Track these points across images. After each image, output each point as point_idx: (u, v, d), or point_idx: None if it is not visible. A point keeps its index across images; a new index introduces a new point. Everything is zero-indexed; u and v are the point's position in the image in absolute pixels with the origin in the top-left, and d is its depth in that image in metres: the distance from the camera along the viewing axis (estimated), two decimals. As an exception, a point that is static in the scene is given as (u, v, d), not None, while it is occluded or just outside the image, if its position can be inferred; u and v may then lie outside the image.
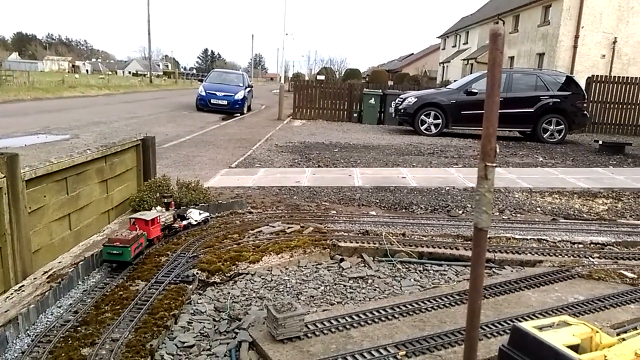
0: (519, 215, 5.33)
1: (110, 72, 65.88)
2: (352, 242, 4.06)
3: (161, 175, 5.23)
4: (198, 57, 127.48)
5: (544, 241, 4.32)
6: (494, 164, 1.53)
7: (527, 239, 4.35)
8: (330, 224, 4.60)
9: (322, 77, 21.80)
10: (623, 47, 21.35)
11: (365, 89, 17.00)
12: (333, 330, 2.75)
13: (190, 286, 3.23)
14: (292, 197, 5.80)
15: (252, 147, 10.01)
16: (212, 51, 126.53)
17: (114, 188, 4.59)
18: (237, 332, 2.75)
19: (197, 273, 3.40)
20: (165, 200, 4.41)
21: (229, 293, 3.28)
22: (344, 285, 3.47)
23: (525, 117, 12.56)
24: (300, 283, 3.48)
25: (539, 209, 5.64)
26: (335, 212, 5.13)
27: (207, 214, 4.64)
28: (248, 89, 19.96)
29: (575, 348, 1.96)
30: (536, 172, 7.97)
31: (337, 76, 53.47)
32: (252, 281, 3.46)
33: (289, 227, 4.35)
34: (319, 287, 3.43)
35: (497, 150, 1.57)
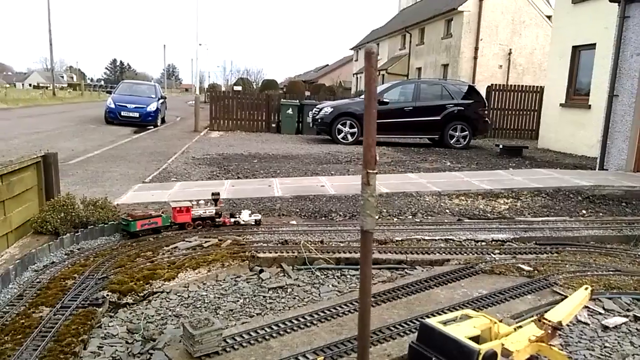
0: (430, 217, 5.61)
1: (8, 85, 60.81)
2: (271, 253, 4.07)
3: (66, 193, 4.92)
4: (106, 68, 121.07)
5: (451, 241, 4.61)
6: (375, 171, 1.64)
7: (435, 240, 4.61)
8: (250, 236, 4.58)
9: (239, 88, 21.62)
10: (517, 58, 23.31)
11: (282, 100, 17.11)
12: (252, 342, 2.75)
13: (100, 309, 3.07)
14: (210, 211, 5.70)
15: (168, 161, 9.70)
16: (121, 62, 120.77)
17: (12, 209, 4.26)
18: (152, 352, 2.66)
19: (108, 295, 3.25)
20: (213, 198, 4.95)
21: (142, 313, 3.16)
22: (264, 296, 3.48)
23: (433, 125, 13.26)
24: (219, 297, 3.44)
25: (447, 210, 5.98)
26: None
27: (259, 216, 5.11)
28: (161, 101, 19.32)
29: (476, 338, 2.12)
30: (444, 176, 8.44)
31: (255, 87, 53.30)
32: (168, 299, 3.36)
33: (206, 241, 4.28)
34: (238, 300, 3.41)
35: (377, 159, 1.69)
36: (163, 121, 19.94)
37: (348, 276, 3.88)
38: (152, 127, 17.64)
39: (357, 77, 41.82)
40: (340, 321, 3.06)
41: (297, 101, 16.92)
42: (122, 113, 17.47)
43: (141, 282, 3.45)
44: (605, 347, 2.93)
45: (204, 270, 3.72)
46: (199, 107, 17.63)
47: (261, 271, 3.85)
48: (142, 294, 3.36)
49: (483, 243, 4.60)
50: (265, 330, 2.86)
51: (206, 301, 3.37)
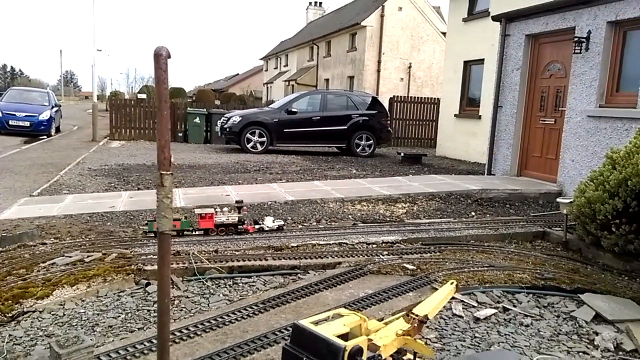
0: (333, 223, 5.73)
1: None
2: (160, 264, 3.92)
3: None
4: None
5: (344, 244, 4.74)
6: (169, 172, 1.65)
7: (330, 244, 4.72)
8: (138, 248, 4.40)
9: (143, 96, 20.70)
10: (417, 72, 24.71)
11: (189, 108, 16.69)
12: (128, 358, 2.63)
13: (-44, 334, 2.79)
14: (105, 224, 5.40)
15: (60, 172, 9.05)
16: (12, 67, 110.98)
17: None
18: (14, 377, 2.45)
19: (-33, 318, 2.95)
20: (237, 205, 5.07)
21: (9, 335, 2.91)
22: (148, 310, 3.34)
23: (340, 134, 13.63)
24: (98, 314, 3.25)
25: (350, 216, 6.15)
26: (153, 234, 4.92)
27: (282, 222, 5.28)
28: (55, 109, 18.03)
29: (345, 336, 2.19)
30: (349, 183, 8.68)
31: (163, 95, 51.24)
32: (40, 319, 3.12)
33: (88, 256, 4.04)
34: (119, 316, 3.25)
35: (172, 160, 1.72)
36: (58, 130, 18.62)
37: (240, 284, 3.85)
38: (45, 136, 16.42)
39: (267, 87, 41.95)
40: (226, 330, 3.02)
41: (205, 110, 16.61)
42: (10, 122, 16.09)
43: (10, 301, 3.18)
44: (475, 337, 3.16)
45: (83, 287, 3.51)
46: (97, 115, 16.70)
47: (148, 284, 3.71)
48: (10, 315, 3.09)
49: (374, 245, 4.78)
50: (145, 345, 2.75)
51: (84, 318, 3.18)
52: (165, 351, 1.80)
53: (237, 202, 5.13)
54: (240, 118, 13.55)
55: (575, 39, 7.31)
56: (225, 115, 14.49)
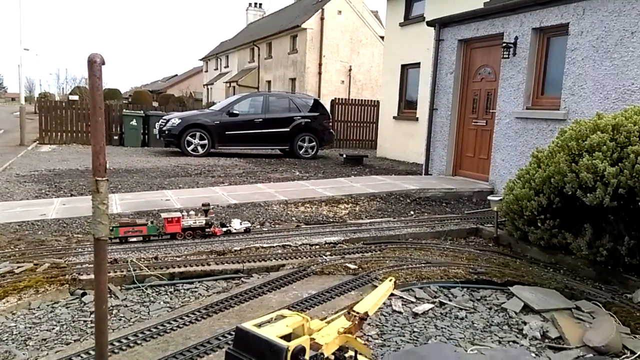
0: (277, 225, 5.73)
1: None
2: (96, 273, 3.79)
3: None
4: None
5: (288, 246, 4.77)
6: (105, 178, 1.66)
7: (273, 246, 4.74)
8: (73, 257, 4.22)
9: (75, 98, 19.78)
10: (357, 74, 25.17)
11: (125, 110, 16.12)
12: (64, 371, 2.53)
13: None
14: (36, 233, 5.13)
15: (-17, 180, 8.49)
16: None
17: None
18: None
19: None
20: (204, 208, 5.03)
21: None
22: (84, 321, 3.23)
23: (283, 136, 13.65)
24: (31, 327, 3.10)
25: (294, 218, 6.18)
26: (89, 243, 4.74)
27: (249, 224, 5.32)
28: (-22, 112, 16.88)
29: (288, 337, 2.22)
30: (292, 185, 8.71)
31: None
32: (-36, 336, 2.94)
33: (18, 267, 3.83)
34: (54, 328, 3.11)
35: (108, 165, 1.73)
36: (-19, 134, 17.43)
37: (182, 291, 3.79)
38: (-35, 141, 15.32)
39: (208, 88, 41.23)
40: (167, 337, 2.97)
41: (142, 112, 16.10)
42: None
43: None
44: (414, 332, 3.29)
45: (13, 299, 3.33)
46: (25, 118, 15.78)
47: (84, 294, 3.57)
48: None
49: (317, 246, 4.85)
50: (82, 357, 2.66)
51: (15, 332, 3.02)
52: (103, 358, 1.77)
53: (203, 205, 5.14)
54: (180, 120, 13.25)
55: (504, 44, 7.74)
56: (163, 118, 14.12)
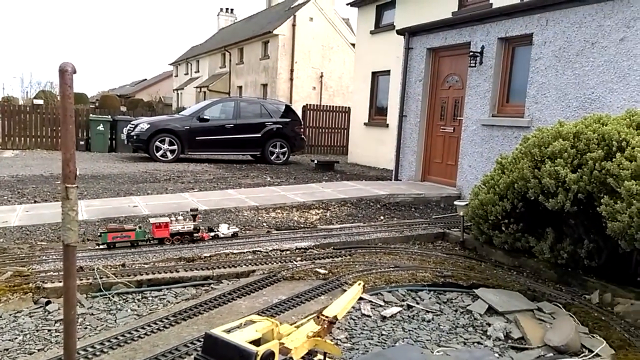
0: (248, 231, 5.71)
1: None
2: (60, 282, 3.71)
3: None
4: None
5: (258, 252, 4.77)
6: (75, 185, 1.67)
7: (243, 252, 4.73)
8: (37, 265, 4.12)
9: (40, 102, 19.25)
10: (328, 81, 25.35)
11: (92, 115, 15.80)
12: (27, 381, 2.47)
13: None
14: (-5, 241, 4.97)
15: (-59, 186, 8.18)
16: None
17: None
18: None
19: None
20: (192, 213, 5.07)
21: None
22: (49, 330, 3.16)
23: (254, 142, 13.62)
24: (-8, 337, 3.02)
25: (264, 223, 6.18)
26: (54, 250, 4.62)
27: (237, 228, 5.37)
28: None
29: (257, 342, 2.24)
30: (263, 191, 8.69)
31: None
32: None
33: (-22, 276, 3.71)
34: (16, 338, 3.03)
35: (77, 173, 1.75)
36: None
37: (150, 298, 3.75)
38: None
39: (178, 93, 40.77)
40: (134, 345, 2.94)
41: (109, 117, 15.81)
42: None
43: None
44: (382, 334, 3.34)
45: (-28, 310, 3.23)
46: (-15, 123, 15.29)
47: (48, 303, 3.49)
48: None
49: (287, 252, 4.86)
50: (45, 367, 2.60)
51: (-26, 344, 2.93)
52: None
53: (192, 210, 5.17)
54: (149, 125, 13.07)
55: (471, 53, 7.95)
56: (132, 123, 13.90)
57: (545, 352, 3.21)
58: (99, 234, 4.86)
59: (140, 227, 4.89)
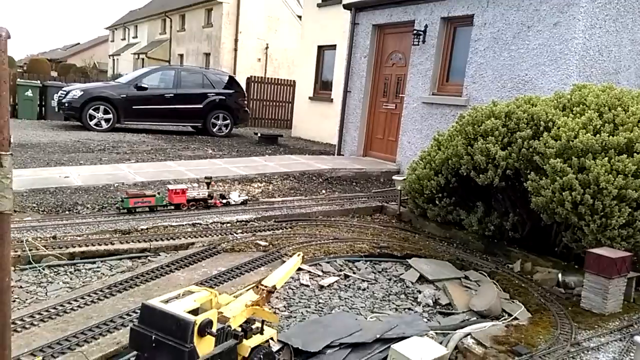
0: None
1: None
2: (-14, 254, 3.53)
3: None
4: None
5: (198, 224, 4.74)
6: (8, 152, 1.65)
7: (183, 225, 4.68)
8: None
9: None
10: (274, 53, 24.96)
11: (19, 80, 14.74)
12: (-52, 356, 2.37)
13: None
14: None
15: None
16: None
17: None
18: None
19: None
20: (206, 181, 5.41)
21: None
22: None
23: (195, 113, 13.26)
24: None
25: (205, 196, 6.11)
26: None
27: (246, 196, 5.71)
28: None
29: (196, 311, 2.26)
30: (204, 164, 8.54)
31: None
32: None
33: None
34: None
35: (12, 140, 1.71)
36: None
37: (83, 271, 3.65)
38: None
39: (114, 59, 38.79)
40: (67, 318, 2.87)
41: (39, 82, 14.84)
42: None
43: None
44: (319, 303, 3.45)
45: None
46: None
47: (-29, 276, 3.32)
48: None
49: (228, 224, 4.86)
50: (-31, 341, 2.49)
51: None
52: (5, 336, 1.74)
53: (206, 177, 5.48)
54: (82, 92, 12.39)
55: (414, 32, 8.08)
56: (63, 89, 13.13)
57: (469, 316, 3.44)
58: (120, 199, 4.96)
59: (159, 193, 5.20)
